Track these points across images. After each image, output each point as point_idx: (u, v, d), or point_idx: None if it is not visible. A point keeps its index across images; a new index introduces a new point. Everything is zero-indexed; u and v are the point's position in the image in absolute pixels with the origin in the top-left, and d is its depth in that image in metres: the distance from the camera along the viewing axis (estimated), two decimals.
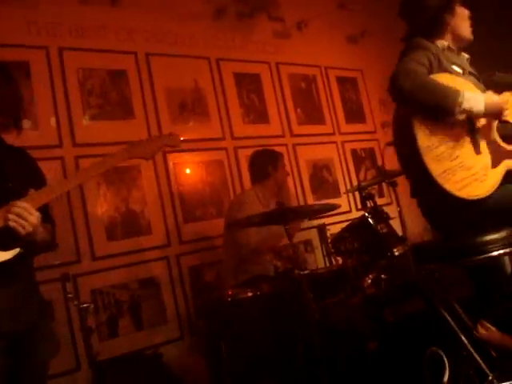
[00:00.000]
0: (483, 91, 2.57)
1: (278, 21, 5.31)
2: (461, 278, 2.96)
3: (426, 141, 2.34)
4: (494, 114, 2.41)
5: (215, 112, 4.65)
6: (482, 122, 2.46)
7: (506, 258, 2.60)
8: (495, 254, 2.28)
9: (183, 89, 4.51)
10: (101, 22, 4.18)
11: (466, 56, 2.78)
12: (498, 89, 2.59)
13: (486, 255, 2.29)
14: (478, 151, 2.42)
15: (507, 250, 2.29)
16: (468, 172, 2.36)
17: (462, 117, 2.34)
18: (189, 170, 4.41)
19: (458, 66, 2.63)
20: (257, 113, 4.95)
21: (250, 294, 3.05)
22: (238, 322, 3.10)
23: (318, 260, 4.87)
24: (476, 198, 2.34)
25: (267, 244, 3.79)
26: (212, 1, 4.80)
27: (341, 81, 5.73)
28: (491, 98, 2.42)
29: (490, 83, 2.70)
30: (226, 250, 3.95)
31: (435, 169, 2.32)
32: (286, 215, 2.91)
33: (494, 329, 2.44)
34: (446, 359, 2.62)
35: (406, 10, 2.75)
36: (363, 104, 5.89)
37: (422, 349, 2.64)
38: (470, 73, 2.69)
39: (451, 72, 2.53)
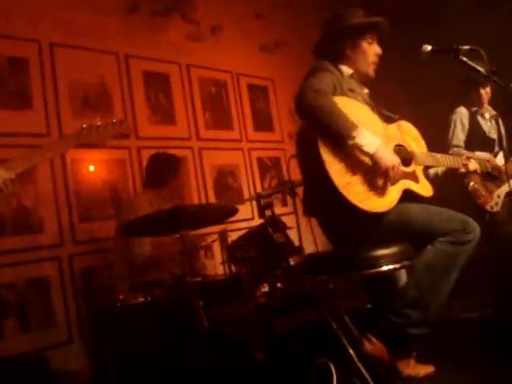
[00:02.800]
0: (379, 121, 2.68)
1: (193, 23, 5.24)
2: (357, 289, 3.03)
3: (329, 156, 2.38)
4: (380, 164, 2.39)
5: (120, 109, 4.50)
6: None
7: (403, 274, 2.68)
8: (384, 268, 2.34)
9: (88, 83, 4.34)
10: (4, 5, 3.93)
11: (366, 90, 2.87)
12: None
13: (376, 270, 2.35)
14: None
15: (397, 266, 2.37)
16: (368, 187, 2.41)
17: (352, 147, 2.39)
18: (88, 167, 4.24)
19: (358, 94, 2.71)
20: (164, 114, 4.85)
21: (140, 300, 2.97)
22: (128, 328, 3.00)
23: (218, 266, 4.82)
24: (376, 211, 2.39)
25: (163, 252, 3.69)
26: None
27: (251, 88, 5.75)
28: (386, 151, 2.44)
29: None
30: (117, 254, 3.82)
31: (339, 181, 2.35)
32: (182, 218, 2.82)
33: (378, 343, 2.48)
34: (334, 370, 2.65)
35: (322, 30, 2.83)
36: (272, 113, 5.93)
37: (311, 359, 2.65)
38: (368, 104, 2.77)
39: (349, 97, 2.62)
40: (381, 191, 2.44)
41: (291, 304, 3.11)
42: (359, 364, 2.44)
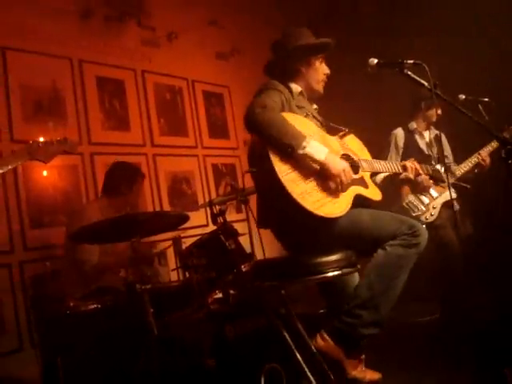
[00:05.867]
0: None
1: (148, 29, 5.24)
2: (313, 295, 3.09)
3: (281, 167, 2.48)
4: (331, 169, 2.53)
5: (73, 115, 4.47)
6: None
7: (355, 276, 2.81)
8: (330, 275, 2.43)
9: (40, 88, 4.29)
10: None
11: (315, 106, 3.05)
12: None
13: (322, 275, 2.44)
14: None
15: (340, 272, 2.45)
16: (322, 194, 2.52)
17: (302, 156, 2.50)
18: (40, 173, 4.18)
19: (306, 110, 2.86)
20: (118, 119, 4.83)
21: (90, 307, 2.95)
22: (78, 336, 2.98)
23: (172, 273, 4.81)
24: (332, 215, 2.50)
25: (112, 260, 3.68)
26: (80, 0, 4.64)
27: (207, 95, 5.77)
28: (334, 157, 2.58)
29: None
30: (67, 261, 3.78)
31: (294, 190, 2.44)
32: (133, 225, 2.82)
33: (330, 341, 2.56)
34: (284, 375, 2.70)
35: (273, 50, 2.98)
36: (228, 120, 5.97)
37: (262, 365, 2.69)
38: (316, 119, 2.93)
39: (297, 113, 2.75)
40: (334, 197, 2.56)
41: (243, 310, 3.15)
42: (306, 369, 2.50)
